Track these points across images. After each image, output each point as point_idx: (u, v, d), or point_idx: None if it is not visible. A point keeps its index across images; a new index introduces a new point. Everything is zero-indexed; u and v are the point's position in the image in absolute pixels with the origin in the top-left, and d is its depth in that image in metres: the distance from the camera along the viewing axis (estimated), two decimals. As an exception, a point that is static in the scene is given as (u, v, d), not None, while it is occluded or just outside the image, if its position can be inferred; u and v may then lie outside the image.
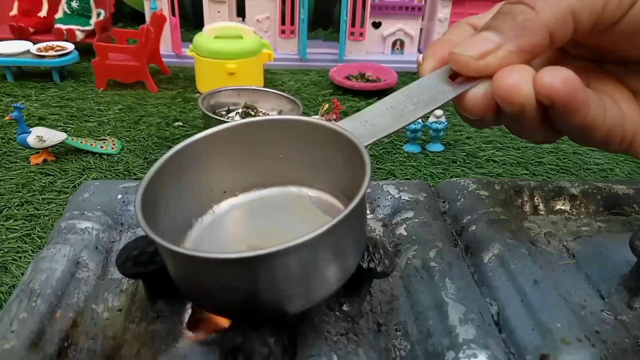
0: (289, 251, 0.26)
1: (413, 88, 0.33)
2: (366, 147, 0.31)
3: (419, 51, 1.34)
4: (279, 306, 0.29)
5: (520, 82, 0.29)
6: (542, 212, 0.53)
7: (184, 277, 0.31)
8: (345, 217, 0.27)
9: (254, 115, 0.94)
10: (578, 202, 0.53)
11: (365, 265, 0.36)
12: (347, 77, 1.17)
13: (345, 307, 0.38)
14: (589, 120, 0.30)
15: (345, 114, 1.02)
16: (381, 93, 1.14)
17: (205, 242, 0.36)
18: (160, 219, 0.32)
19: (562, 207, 0.53)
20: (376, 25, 1.31)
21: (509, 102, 0.30)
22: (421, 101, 0.32)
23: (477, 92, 0.31)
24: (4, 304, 0.53)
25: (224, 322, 0.34)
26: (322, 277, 0.29)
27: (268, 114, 0.96)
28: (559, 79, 0.28)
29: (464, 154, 0.90)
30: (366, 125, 0.32)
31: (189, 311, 0.35)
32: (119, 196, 0.49)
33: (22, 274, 0.57)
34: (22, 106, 0.77)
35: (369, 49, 1.32)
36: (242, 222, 0.38)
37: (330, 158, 0.35)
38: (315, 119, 0.35)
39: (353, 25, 1.28)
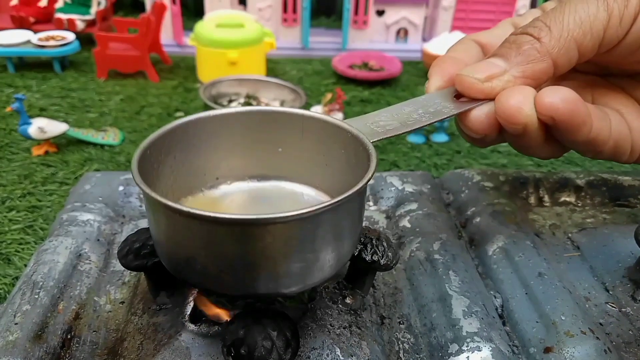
0: (288, 219, 0.26)
1: (419, 101, 0.34)
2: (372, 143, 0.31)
3: (423, 39, 1.33)
4: (273, 284, 0.29)
5: (521, 103, 0.30)
6: (547, 204, 0.52)
7: (172, 244, 0.30)
8: (347, 197, 0.27)
9: (256, 105, 0.94)
10: (583, 194, 0.53)
11: (368, 258, 0.35)
12: (350, 66, 1.16)
13: (348, 300, 0.37)
14: (592, 136, 0.30)
15: (348, 104, 1.01)
16: (384, 82, 1.13)
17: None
18: (152, 188, 0.31)
19: (567, 199, 0.53)
20: (380, 13, 1.29)
21: (512, 123, 0.31)
22: (426, 113, 0.33)
23: (480, 112, 0.32)
24: (7, 295, 0.53)
25: (226, 315, 0.34)
26: (317, 257, 0.29)
27: (270, 104, 0.96)
28: (559, 98, 0.29)
29: (469, 144, 0.89)
30: (371, 126, 0.32)
31: (191, 304, 0.35)
32: (120, 188, 0.49)
33: (25, 265, 0.57)
34: (23, 97, 0.76)
35: (372, 37, 1.31)
36: (232, 209, 0.37)
37: (332, 157, 0.35)
38: (322, 114, 0.35)
39: (356, 13, 1.26)
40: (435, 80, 0.35)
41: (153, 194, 0.26)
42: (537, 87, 0.31)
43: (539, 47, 0.30)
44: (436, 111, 0.33)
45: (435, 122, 0.32)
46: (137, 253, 0.35)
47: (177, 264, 0.31)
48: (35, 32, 1.12)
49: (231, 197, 0.38)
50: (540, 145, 0.32)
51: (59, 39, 1.09)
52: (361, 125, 0.32)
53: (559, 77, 0.36)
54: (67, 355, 0.34)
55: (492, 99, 0.32)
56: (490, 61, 0.32)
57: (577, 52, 0.30)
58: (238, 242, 0.27)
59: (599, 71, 0.36)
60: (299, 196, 0.38)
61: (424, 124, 0.32)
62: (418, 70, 1.21)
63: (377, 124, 0.32)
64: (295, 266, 0.28)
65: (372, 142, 0.31)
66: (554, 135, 0.32)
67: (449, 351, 0.35)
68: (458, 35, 1.15)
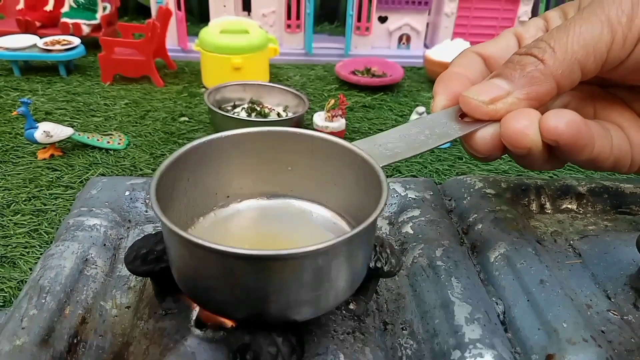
0: (306, 255, 0.26)
1: (425, 121, 0.34)
2: (381, 168, 0.32)
3: (425, 46, 1.34)
4: (287, 313, 0.29)
5: (527, 128, 0.31)
6: (549, 211, 0.53)
7: (190, 272, 0.31)
8: (363, 230, 0.28)
9: (260, 111, 0.94)
10: (585, 201, 0.53)
11: (372, 264, 0.36)
12: (353, 72, 1.17)
13: (351, 306, 0.38)
14: (594, 155, 0.31)
15: (351, 110, 1.02)
16: (387, 88, 1.13)
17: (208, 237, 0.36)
18: (166, 214, 0.32)
19: (569, 206, 0.53)
20: (382, 19, 1.30)
21: (517, 147, 0.31)
22: (433, 134, 0.33)
23: (485, 134, 0.33)
24: (13, 298, 0.53)
25: (231, 320, 0.34)
26: (333, 286, 0.30)
27: (274, 109, 0.96)
28: (564, 122, 0.30)
29: (470, 150, 0.89)
30: (380, 148, 0.33)
31: (197, 309, 0.36)
32: (127, 193, 0.50)
33: (30, 269, 0.57)
34: (28, 101, 0.77)
35: (374, 43, 1.32)
36: (243, 227, 0.38)
37: (341, 177, 0.36)
38: (332, 136, 0.36)
39: (359, 19, 1.27)
40: (441, 100, 0.35)
41: (172, 226, 0.27)
42: (540, 107, 0.32)
43: (542, 69, 0.30)
44: (442, 132, 0.33)
45: (441, 144, 0.33)
46: (144, 259, 0.35)
47: (194, 289, 0.32)
48: (41, 36, 1.12)
49: (241, 216, 0.39)
50: (542, 162, 0.33)
51: (64, 44, 1.10)
52: (370, 147, 0.33)
53: None
54: (74, 360, 0.34)
55: (497, 120, 0.32)
56: (494, 82, 0.32)
57: (580, 73, 0.31)
58: (254, 276, 0.28)
59: (600, 82, 0.37)
60: (307, 214, 0.39)
61: (431, 147, 0.33)
62: (420, 76, 1.21)
63: (385, 146, 0.33)
64: (310, 295, 0.29)
65: (385, 165, 0.32)
66: (556, 154, 0.32)
67: (451, 357, 0.35)
68: (460, 42, 1.16)
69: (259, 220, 0.39)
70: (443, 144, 0.34)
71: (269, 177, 0.38)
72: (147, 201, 0.49)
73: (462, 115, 0.34)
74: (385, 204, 0.29)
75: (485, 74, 0.36)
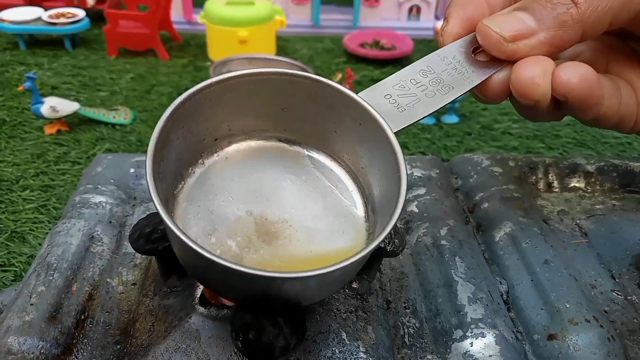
0: (311, 277, 0.26)
1: (435, 60, 0.32)
2: (396, 134, 0.30)
3: (436, 17, 1.31)
4: (292, 302, 0.30)
5: (538, 77, 0.29)
6: (556, 190, 0.52)
7: (194, 267, 0.31)
8: (375, 247, 0.27)
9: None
10: (593, 180, 0.53)
11: (375, 244, 0.36)
12: (362, 45, 1.15)
13: (354, 285, 0.38)
14: (601, 113, 0.30)
15: (359, 84, 1.01)
16: (396, 61, 1.11)
17: (201, 196, 0.33)
18: (162, 166, 0.30)
19: (577, 185, 0.53)
20: (391, -10, 1.27)
21: (526, 97, 0.29)
22: (445, 85, 0.31)
23: (493, 79, 0.31)
24: (23, 273, 0.54)
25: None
26: (339, 284, 0.31)
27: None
28: (577, 76, 0.28)
29: (479, 126, 0.88)
30: (390, 102, 0.31)
31: (201, 287, 0.36)
32: (132, 170, 0.50)
33: (40, 244, 0.58)
34: (34, 76, 0.77)
35: (384, 15, 1.29)
36: (233, 180, 0.35)
37: (344, 126, 0.33)
38: (340, 86, 0.32)
39: (368, -10, 1.24)
40: (453, 26, 0.32)
41: (183, 237, 0.25)
42: (559, 52, 0.30)
43: (574, 13, 0.28)
44: (455, 81, 0.31)
45: (459, 96, 0.31)
46: (148, 237, 0.35)
47: (194, 272, 0.32)
48: (46, 8, 1.11)
49: (231, 163, 0.35)
50: (545, 114, 0.31)
51: (69, 16, 1.09)
52: (378, 100, 0.31)
53: None
54: (81, 336, 0.35)
55: (512, 61, 0.30)
56: (519, 16, 0.29)
57: (608, 24, 0.29)
58: (258, 287, 0.28)
59: (620, 32, 0.34)
60: (301, 158, 0.36)
61: (445, 102, 0.31)
62: (430, 49, 1.18)
63: (395, 98, 0.31)
64: (316, 292, 0.30)
65: (396, 132, 0.30)
66: (561, 108, 0.31)
67: (453, 337, 0.35)
68: (472, 13, 1.13)
69: (250, 169, 0.35)
70: (459, 96, 0.31)
71: (260, 118, 0.35)
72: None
73: (475, 51, 0.31)
74: (401, 213, 0.28)
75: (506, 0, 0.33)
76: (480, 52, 0.31)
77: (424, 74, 0.32)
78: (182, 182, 0.34)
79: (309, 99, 0.33)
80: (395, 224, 0.38)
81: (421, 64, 0.32)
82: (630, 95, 0.31)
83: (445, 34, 0.32)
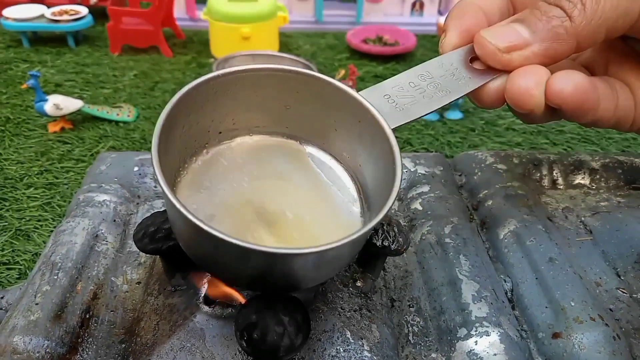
0: (309, 254, 0.26)
1: (435, 65, 0.33)
2: (393, 130, 0.30)
3: (439, 12, 1.30)
4: (291, 283, 0.30)
5: (532, 89, 0.29)
6: (561, 187, 0.52)
7: (197, 248, 0.31)
8: (370, 229, 0.27)
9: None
10: (598, 176, 0.52)
11: (379, 243, 0.36)
12: (364, 41, 1.14)
13: (358, 283, 0.38)
14: (596, 117, 0.30)
15: (362, 80, 1.00)
16: (399, 57, 1.11)
17: (202, 184, 0.34)
18: (166, 154, 0.31)
19: (582, 182, 0.52)
20: (395, -15, 1.27)
21: (519, 107, 0.30)
22: (443, 88, 0.32)
23: (490, 86, 0.31)
24: (28, 271, 0.55)
25: (239, 298, 0.35)
26: (335, 266, 0.31)
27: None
28: (571, 86, 0.28)
29: (483, 122, 0.88)
30: (389, 101, 0.32)
31: (206, 286, 0.36)
32: (135, 168, 0.50)
33: (44, 242, 0.58)
34: (37, 74, 0.77)
35: (387, 10, 1.29)
36: (236, 170, 0.35)
37: (344, 123, 0.34)
38: (341, 84, 0.33)
39: (371, -15, 1.24)
40: (452, 36, 0.33)
41: (180, 207, 0.26)
42: (554, 63, 0.30)
43: (568, 26, 0.28)
44: (452, 85, 0.32)
45: (454, 100, 0.32)
46: (153, 237, 0.35)
47: (197, 258, 0.32)
48: (49, 6, 1.11)
49: (234, 156, 0.36)
50: (541, 119, 0.32)
51: (72, 14, 1.09)
52: (378, 99, 0.31)
53: None
54: (86, 334, 0.35)
55: (507, 71, 0.31)
56: (515, 28, 0.30)
57: (604, 35, 0.29)
58: (257, 263, 0.28)
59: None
60: (302, 154, 0.37)
61: (442, 104, 0.31)
62: (433, 45, 1.19)
63: (394, 98, 0.32)
64: (312, 275, 0.30)
65: (393, 128, 0.30)
66: (556, 112, 0.31)
67: (457, 335, 0.35)
68: (475, 8, 1.13)
69: (252, 162, 0.36)
70: (455, 99, 0.32)
71: (264, 114, 0.36)
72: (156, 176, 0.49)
73: (473, 60, 0.32)
74: (396, 199, 0.29)
75: (503, 9, 0.34)
76: (478, 61, 0.32)
77: (422, 78, 0.32)
78: (185, 171, 0.34)
79: (311, 97, 0.33)
80: (399, 222, 0.38)
81: (420, 69, 0.33)
82: (628, 97, 0.32)
83: (444, 45, 0.33)
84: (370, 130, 0.32)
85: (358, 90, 0.32)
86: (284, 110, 0.35)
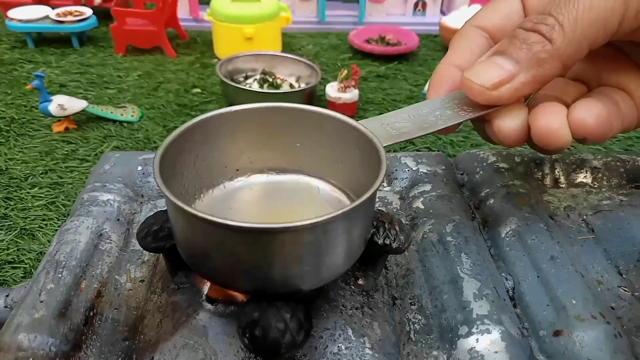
0: (303, 228, 0.27)
1: (436, 102, 0.34)
2: (385, 147, 0.32)
3: (442, 12, 1.30)
4: (290, 282, 0.31)
5: (560, 127, 0.30)
6: (563, 185, 0.52)
7: (193, 245, 0.32)
8: (358, 206, 0.28)
9: (272, 82, 0.93)
10: (600, 175, 0.52)
11: (380, 241, 0.36)
12: (367, 41, 1.15)
13: (360, 281, 0.38)
14: (612, 136, 0.31)
15: (365, 80, 1.00)
16: (401, 57, 1.11)
17: (214, 210, 0.37)
18: (173, 185, 0.33)
19: (584, 180, 0.52)
20: (397, -15, 1.27)
21: (550, 145, 0.30)
22: (443, 115, 0.33)
23: (512, 126, 0.32)
24: (32, 270, 0.55)
25: (241, 295, 0.35)
26: (330, 259, 0.31)
27: (286, 80, 0.95)
28: (593, 118, 0.29)
29: (485, 121, 0.88)
30: (386, 128, 0.33)
31: (208, 284, 0.36)
32: (139, 168, 0.50)
33: (49, 241, 0.59)
34: (42, 74, 0.77)
35: (389, 10, 1.29)
36: (251, 201, 0.39)
37: (347, 155, 0.36)
38: (340, 115, 0.35)
39: (373, -15, 1.24)
40: (436, 94, 0.35)
41: (170, 196, 0.28)
42: (542, 87, 0.31)
43: (550, 49, 0.28)
44: (453, 114, 0.33)
45: (452, 125, 0.33)
46: (155, 235, 0.36)
47: (194, 259, 0.32)
48: (54, 7, 1.12)
49: (250, 190, 0.40)
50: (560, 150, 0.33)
51: (76, 14, 1.10)
52: (377, 127, 0.33)
53: None
54: (90, 332, 0.36)
55: (503, 104, 0.32)
56: (497, 62, 0.30)
57: (587, 50, 0.29)
58: (249, 248, 0.28)
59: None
60: (314, 190, 0.39)
61: (440, 127, 0.32)
62: (436, 45, 1.19)
63: (392, 125, 0.33)
64: (307, 268, 0.30)
65: (385, 146, 0.32)
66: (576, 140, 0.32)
67: (458, 333, 0.35)
68: (477, 8, 1.13)
69: (267, 195, 0.39)
70: (456, 124, 0.33)
71: (278, 153, 0.39)
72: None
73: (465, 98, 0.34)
74: (382, 182, 0.30)
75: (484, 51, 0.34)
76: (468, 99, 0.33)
77: (424, 110, 0.34)
78: (201, 199, 0.38)
79: (317, 131, 0.37)
80: (401, 221, 0.38)
81: (421, 104, 0.34)
82: (630, 104, 0.32)
83: (431, 97, 0.35)
84: (368, 153, 0.33)
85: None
86: (296, 149, 0.39)
